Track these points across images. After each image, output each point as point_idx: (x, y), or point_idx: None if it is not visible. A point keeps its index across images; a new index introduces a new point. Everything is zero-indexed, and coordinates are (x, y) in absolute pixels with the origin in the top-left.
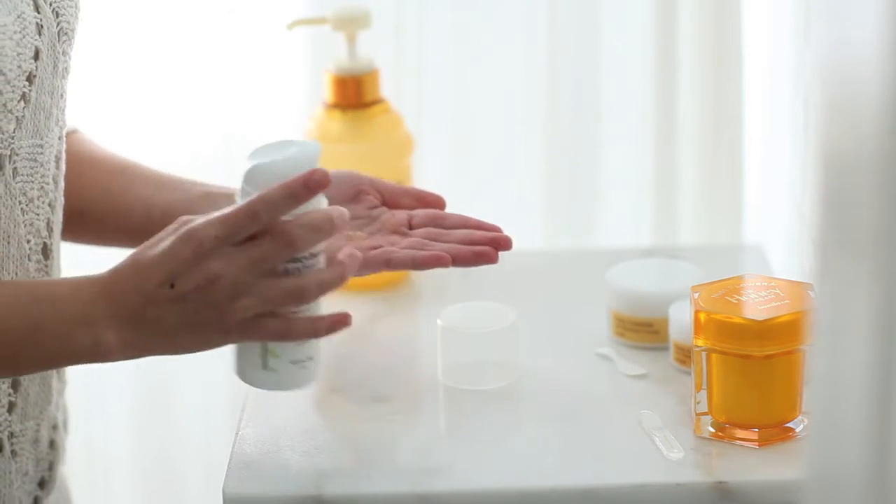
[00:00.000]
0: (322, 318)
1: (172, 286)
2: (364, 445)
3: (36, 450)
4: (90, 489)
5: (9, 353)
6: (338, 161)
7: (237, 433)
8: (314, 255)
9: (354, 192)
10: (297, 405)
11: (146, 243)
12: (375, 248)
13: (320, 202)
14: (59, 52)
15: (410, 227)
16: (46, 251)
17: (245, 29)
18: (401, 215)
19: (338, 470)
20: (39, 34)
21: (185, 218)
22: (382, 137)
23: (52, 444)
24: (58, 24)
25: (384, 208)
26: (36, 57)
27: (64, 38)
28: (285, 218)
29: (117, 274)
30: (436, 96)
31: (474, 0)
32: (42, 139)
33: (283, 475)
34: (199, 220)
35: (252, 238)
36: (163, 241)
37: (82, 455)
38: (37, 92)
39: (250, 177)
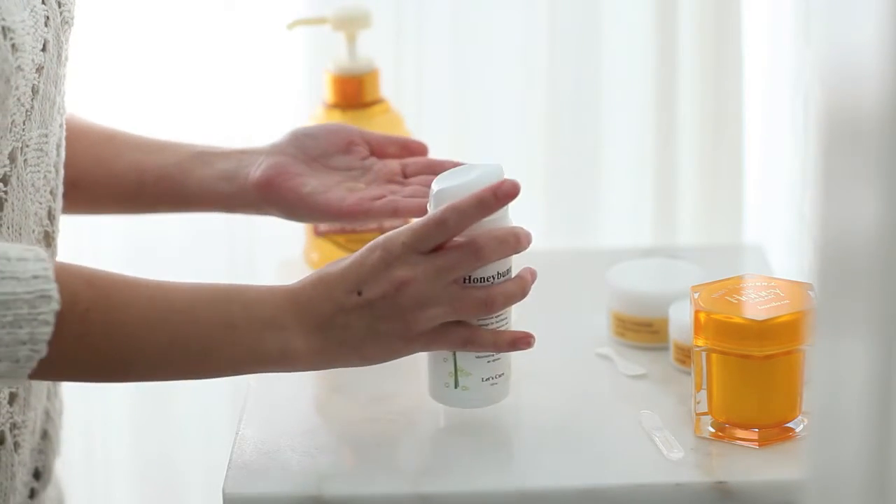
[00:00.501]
0: (504, 333)
1: (360, 293)
2: (364, 445)
3: (32, 440)
4: (90, 489)
5: (202, 350)
6: None
7: (237, 433)
8: (501, 276)
9: (346, 143)
10: (297, 405)
11: (335, 259)
12: (379, 197)
13: (506, 220)
14: (62, 42)
15: (405, 176)
16: (48, 239)
17: (245, 29)
18: (393, 164)
19: (338, 470)
20: (46, 25)
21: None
22: None
23: (45, 435)
24: (61, 14)
25: (374, 159)
26: (44, 49)
27: (66, 26)
28: (471, 231)
29: (306, 283)
30: (436, 96)
31: (474, 0)
32: (47, 128)
33: (283, 475)
34: (389, 232)
35: (439, 249)
36: (353, 255)
37: (82, 455)
38: (44, 83)
39: (438, 200)
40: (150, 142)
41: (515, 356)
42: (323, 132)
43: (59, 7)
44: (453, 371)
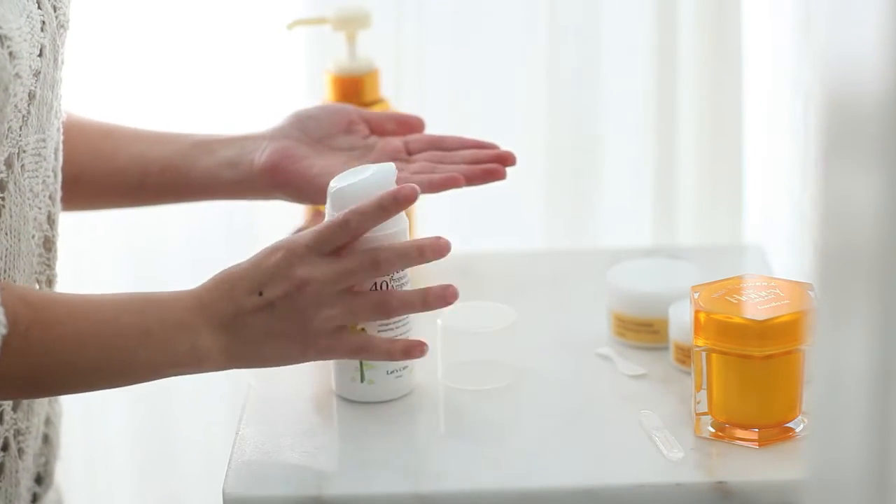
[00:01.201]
0: (398, 341)
1: (261, 294)
2: (364, 445)
3: (35, 445)
4: (91, 490)
5: (125, 359)
6: None
7: (237, 433)
8: (394, 280)
9: (347, 123)
10: (297, 405)
11: (239, 262)
12: None
13: (402, 222)
14: (58, 45)
15: (409, 153)
16: (48, 244)
17: (245, 29)
18: (396, 142)
19: (338, 470)
20: (42, 30)
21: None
22: None
23: (46, 439)
24: (56, 18)
25: (376, 137)
26: (40, 54)
27: (62, 30)
28: (375, 235)
29: (210, 283)
30: (436, 96)
31: (474, 0)
32: (45, 133)
33: (283, 475)
34: (291, 235)
35: (341, 252)
36: (255, 256)
37: (82, 456)
38: (41, 88)
39: (334, 199)
40: (149, 134)
41: (513, 354)
42: (324, 113)
43: (55, 11)
44: (359, 365)
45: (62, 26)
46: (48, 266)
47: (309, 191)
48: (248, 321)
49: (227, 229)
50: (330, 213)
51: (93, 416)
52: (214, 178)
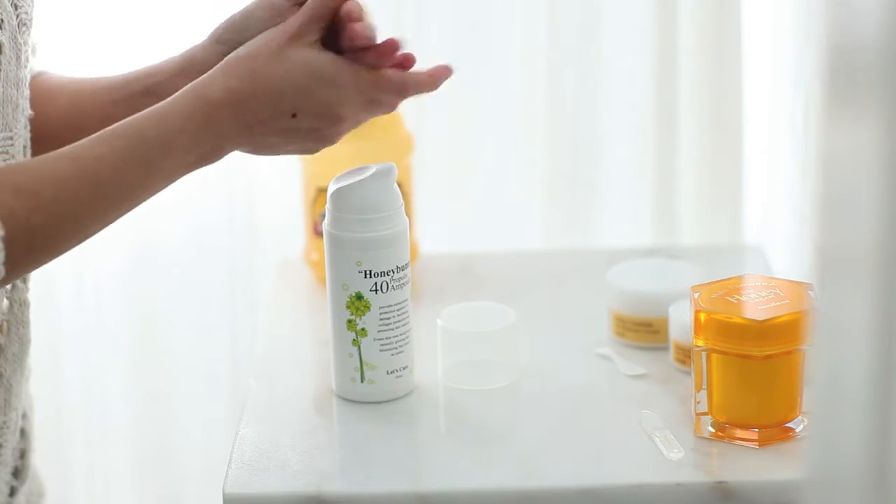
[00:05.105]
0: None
1: (294, 116)
2: (364, 445)
3: (13, 440)
4: (91, 490)
5: (131, 194)
6: (338, 160)
7: (237, 433)
8: (401, 280)
9: (276, 18)
10: (297, 405)
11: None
12: None
13: (403, 221)
14: (20, 44)
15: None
16: None
17: None
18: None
19: (338, 470)
20: (0, 29)
21: None
22: (382, 137)
23: (23, 433)
24: (17, 17)
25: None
26: None
27: (24, 28)
28: (375, 234)
29: (247, 85)
30: (436, 96)
31: (474, 1)
32: (11, 131)
33: (283, 475)
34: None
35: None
36: (303, 70)
37: (82, 455)
38: (3, 86)
39: (335, 199)
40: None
41: (513, 354)
42: (249, 20)
43: (16, 10)
44: (359, 366)
45: (24, 24)
46: None
47: None
48: (270, 136)
49: (228, 225)
50: (330, 212)
51: (93, 415)
52: None
